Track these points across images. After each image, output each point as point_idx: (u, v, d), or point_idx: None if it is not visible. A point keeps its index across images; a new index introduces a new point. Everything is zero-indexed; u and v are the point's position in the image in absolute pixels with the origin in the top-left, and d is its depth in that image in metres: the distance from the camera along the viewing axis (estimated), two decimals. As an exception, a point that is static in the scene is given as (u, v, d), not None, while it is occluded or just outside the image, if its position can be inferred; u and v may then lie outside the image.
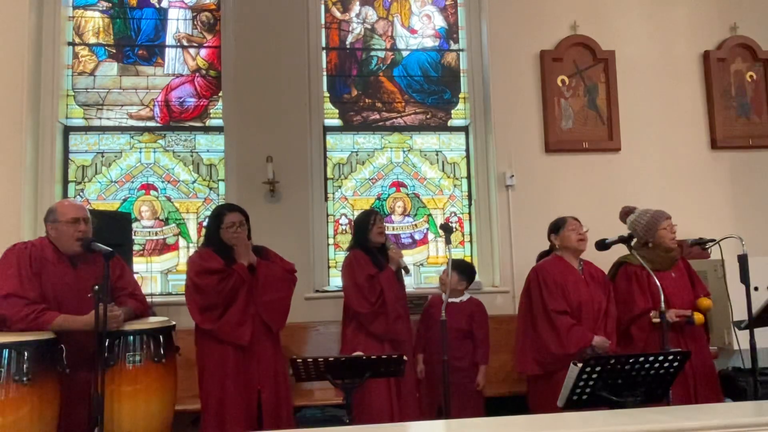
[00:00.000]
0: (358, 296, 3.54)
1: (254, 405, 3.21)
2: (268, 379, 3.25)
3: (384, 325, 3.51)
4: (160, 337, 2.94)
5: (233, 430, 3.12)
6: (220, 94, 4.86)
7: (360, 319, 3.55)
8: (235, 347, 3.20)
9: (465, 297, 3.91)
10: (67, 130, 4.72)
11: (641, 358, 2.30)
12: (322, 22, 5.05)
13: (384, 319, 3.51)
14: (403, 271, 3.70)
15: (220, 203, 4.72)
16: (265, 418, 3.20)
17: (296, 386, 3.65)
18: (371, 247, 3.68)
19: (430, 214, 5.02)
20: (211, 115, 4.87)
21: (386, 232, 3.83)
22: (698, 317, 3.35)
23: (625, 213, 3.68)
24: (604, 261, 3.57)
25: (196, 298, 3.21)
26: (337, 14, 5.13)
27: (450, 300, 3.47)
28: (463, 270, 3.90)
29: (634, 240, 3.49)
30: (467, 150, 5.09)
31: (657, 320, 3.19)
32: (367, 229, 3.68)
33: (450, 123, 5.13)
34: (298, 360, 2.75)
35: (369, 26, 5.16)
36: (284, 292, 3.36)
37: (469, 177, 5.07)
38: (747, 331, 3.10)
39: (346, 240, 4.85)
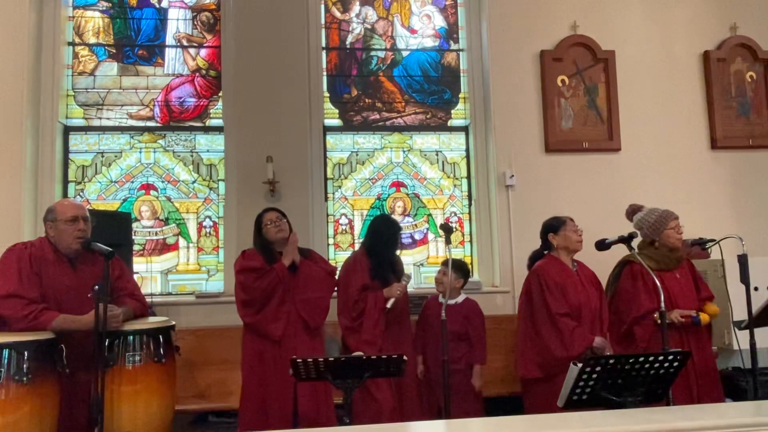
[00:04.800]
0: (343, 309, 3.60)
1: (290, 399, 3.30)
2: None
3: (355, 342, 3.50)
4: (160, 337, 2.95)
5: (269, 423, 3.23)
6: (220, 94, 4.86)
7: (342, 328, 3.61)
8: (271, 342, 3.35)
9: (461, 298, 3.83)
10: (67, 130, 4.72)
11: (641, 358, 2.29)
12: (322, 22, 5.05)
13: (357, 337, 3.52)
14: (404, 280, 3.61)
15: (220, 203, 4.74)
16: (301, 413, 3.29)
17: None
18: (383, 257, 3.63)
19: (430, 214, 5.02)
20: (211, 115, 4.87)
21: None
22: (704, 317, 3.34)
23: (632, 211, 3.64)
24: (603, 261, 3.57)
25: (240, 293, 3.42)
26: (337, 14, 5.13)
27: (448, 301, 3.44)
28: (459, 267, 3.84)
29: (636, 239, 3.46)
30: (467, 150, 5.09)
31: (660, 321, 3.18)
32: (387, 241, 3.64)
33: (450, 123, 5.13)
34: (298, 360, 2.75)
35: (369, 26, 5.15)
36: (323, 292, 3.51)
37: (469, 177, 5.07)
38: (747, 331, 3.11)
39: (346, 240, 4.86)
